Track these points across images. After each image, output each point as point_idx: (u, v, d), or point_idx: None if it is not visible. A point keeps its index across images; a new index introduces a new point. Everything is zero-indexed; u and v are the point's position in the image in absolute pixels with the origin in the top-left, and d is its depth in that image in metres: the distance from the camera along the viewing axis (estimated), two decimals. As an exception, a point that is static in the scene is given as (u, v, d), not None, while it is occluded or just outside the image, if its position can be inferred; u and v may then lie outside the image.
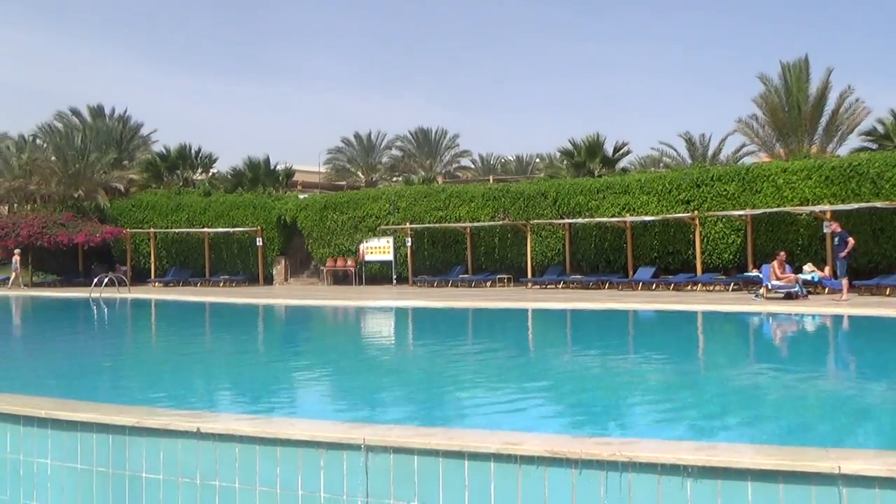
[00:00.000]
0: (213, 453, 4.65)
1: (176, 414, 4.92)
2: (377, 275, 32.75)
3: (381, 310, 21.47)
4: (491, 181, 38.46)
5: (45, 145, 42.90)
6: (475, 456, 4.10)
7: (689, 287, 24.13)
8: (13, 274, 33.53)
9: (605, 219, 27.05)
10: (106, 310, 22.70)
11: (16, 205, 47.91)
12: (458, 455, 4.12)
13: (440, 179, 50.87)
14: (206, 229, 35.09)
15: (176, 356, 12.32)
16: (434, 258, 31.79)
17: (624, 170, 37.03)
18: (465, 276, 30.03)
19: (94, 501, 5.02)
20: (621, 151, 37.33)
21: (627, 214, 26.68)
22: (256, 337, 16.99)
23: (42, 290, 32.12)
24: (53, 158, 39.70)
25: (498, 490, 4.06)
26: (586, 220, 27.43)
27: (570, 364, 10.97)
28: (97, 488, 5.01)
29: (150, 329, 18.32)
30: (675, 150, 40.47)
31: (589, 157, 36.07)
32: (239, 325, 18.95)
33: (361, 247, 32.55)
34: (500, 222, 29.43)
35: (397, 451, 4.23)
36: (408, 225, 31.22)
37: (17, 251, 33.49)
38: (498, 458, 4.06)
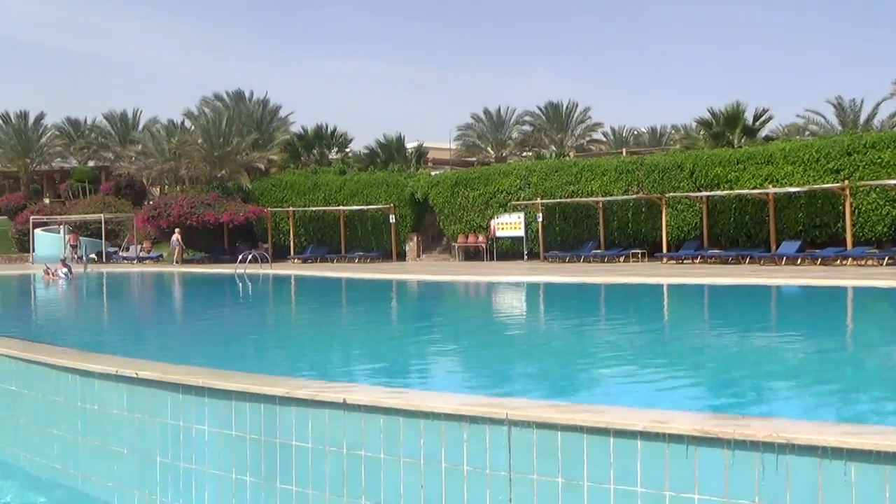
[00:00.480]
0: (359, 424, 4.76)
1: (323, 385, 5.07)
2: (508, 250, 32.72)
3: (513, 285, 21.45)
4: (624, 154, 37.48)
5: (192, 129, 45.19)
6: (621, 433, 4.00)
7: (837, 262, 22.79)
8: (176, 251, 35.40)
9: (745, 191, 25.91)
10: (251, 285, 23.75)
11: (167, 186, 50.88)
12: (604, 432, 4.04)
13: (571, 154, 50.14)
14: (341, 207, 36.07)
15: (317, 329, 12.74)
16: (565, 233, 31.45)
17: (766, 139, 35.25)
18: (598, 251, 29.55)
19: (247, 466, 5.25)
20: (762, 119, 35.56)
21: (770, 186, 25.45)
22: (392, 311, 17.33)
23: (192, 266, 33.93)
24: (200, 141, 41.75)
25: (645, 469, 3.95)
26: (725, 192, 26.36)
27: (711, 341, 10.60)
28: (250, 454, 5.23)
29: (293, 303, 19.03)
30: (823, 116, 38.20)
31: (728, 126, 34.56)
32: (375, 299, 19.40)
33: (492, 222, 32.58)
34: (634, 196, 28.72)
35: (540, 426, 4.19)
36: (539, 200, 30.98)
37: (177, 230, 35.42)
38: (645, 436, 3.95)
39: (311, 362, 8.99)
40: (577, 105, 57.95)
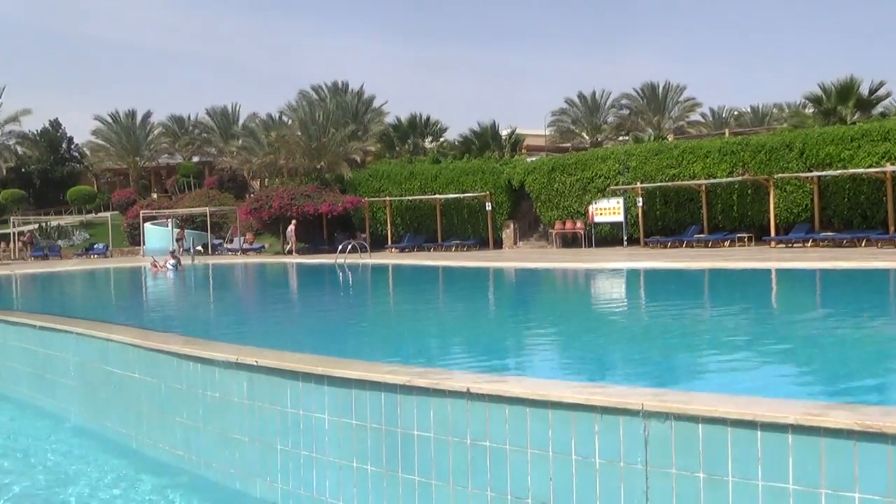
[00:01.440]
0: (483, 414, 4.63)
1: (445, 374, 4.96)
2: (607, 236, 32.13)
3: (614, 271, 20.97)
4: (727, 135, 36.21)
5: (290, 122, 46.12)
6: (769, 427, 3.72)
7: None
8: (291, 241, 36.04)
9: (860, 170, 24.62)
10: (351, 274, 24.03)
11: (266, 179, 52.13)
12: (750, 425, 3.77)
13: (670, 136, 48.82)
14: (437, 196, 36.15)
15: (420, 318, 12.72)
16: (667, 218, 30.65)
17: (882, 115, 33.40)
18: (701, 235, 28.67)
19: (368, 456, 5.20)
20: (878, 93, 33.66)
21: (888, 164, 24.08)
22: (493, 300, 17.19)
23: (292, 256, 34.64)
24: (298, 134, 42.54)
25: (797, 465, 3.67)
26: (838, 172, 25.11)
27: (834, 328, 10.02)
28: (371, 443, 5.17)
29: (395, 292, 19.10)
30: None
31: (840, 101, 32.87)
32: (474, 288, 19.31)
33: (590, 208, 32.04)
34: (740, 178, 27.71)
35: (679, 418, 3.96)
36: (638, 184, 30.28)
37: (293, 222, 36.07)
38: (796, 429, 3.66)
39: (418, 351, 8.94)
40: (674, 86, 56.39)
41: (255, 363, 5.90)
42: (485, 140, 42.45)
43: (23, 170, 58.46)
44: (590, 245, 32.10)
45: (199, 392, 6.51)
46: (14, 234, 46.32)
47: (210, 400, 6.42)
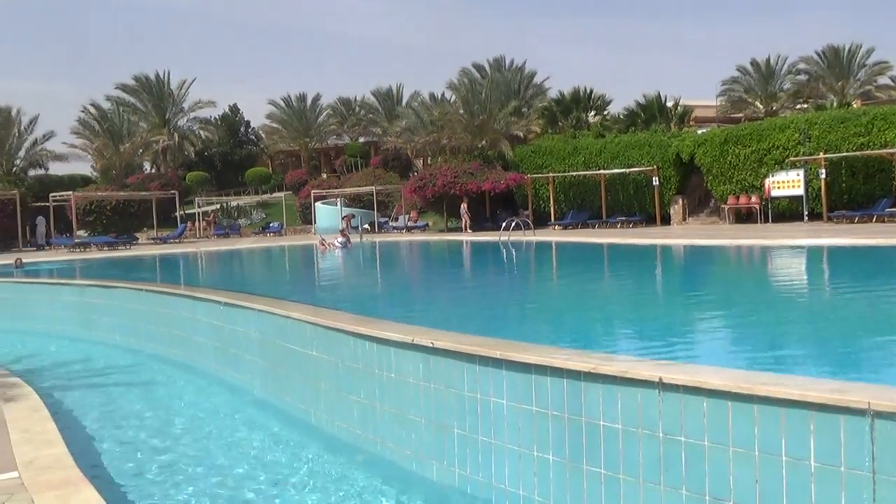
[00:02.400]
0: (678, 406, 4.26)
1: (635, 361, 4.63)
2: (785, 211, 30.16)
3: (796, 249, 19.57)
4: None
5: (453, 100, 46.42)
6: None
7: None
8: (464, 220, 36.27)
9: None
10: (514, 252, 23.84)
11: (429, 158, 52.88)
12: None
13: (856, 102, 45.21)
14: (602, 171, 35.26)
15: (591, 297, 12.32)
16: (853, 191, 28.37)
17: None
18: (894, 209, 26.30)
19: (549, 444, 4.96)
20: None
21: None
22: (665, 278, 16.46)
23: (455, 234, 34.90)
24: (461, 112, 42.75)
25: None
26: None
27: None
28: (553, 432, 4.93)
29: (564, 271, 18.72)
30: None
31: None
32: (645, 266, 18.61)
33: (767, 182, 30.16)
34: (941, 146, 25.16)
35: (915, 420, 3.45)
36: (821, 155, 28.15)
37: (465, 200, 36.30)
38: None
39: (594, 333, 8.59)
40: (859, 48, 52.12)
41: (430, 345, 5.79)
42: (651, 112, 41.00)
43: (206, 153, 62.37)
44: (765, 221, 30.27)
45: (376, 371, 6.51)
46: (199, 213, 49.52)
47: (386, 380, 6.39)
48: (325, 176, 57.88)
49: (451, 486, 5.73)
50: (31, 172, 48.18)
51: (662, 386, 4.31)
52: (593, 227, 34.25)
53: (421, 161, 58.77)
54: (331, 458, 6.80)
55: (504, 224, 28.09)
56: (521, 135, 41.32)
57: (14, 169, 45.71)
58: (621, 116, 44.20)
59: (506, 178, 36.64)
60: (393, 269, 22.00)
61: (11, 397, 8.38)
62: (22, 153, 46.73)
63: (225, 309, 9.62)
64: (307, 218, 47.83)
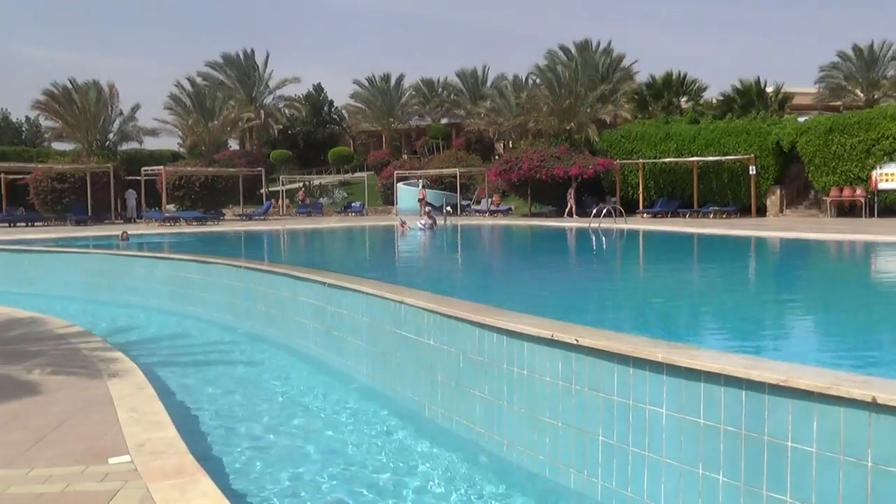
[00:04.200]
0: (893, 431, 3.63)
1: (843, 378, 3.99)
2: (893, 206, 28.53)
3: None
4: None
5: (539, 83, 45.52)
6: None
7: None
8: (570, 205, 35.45)
9: None
10: (608, 240, 23.07)
11: (512, 141, 52.14)
12: None
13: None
14: (694, 158, 34.02)
15: (702, 290, 11.60)
16: (972, 186, 26.61)
17: None
18: None
19: (720, 464, 4.38)
20: None
21: None
22: (777, 273, 15.52)
23: (541, 220, 34.18)
24: (547, 94, 41.86)
25: None
26: None
27: None
28: (725, 449, 4.34)
29: (665, 261, 17.89)
30: None
31: None
32: (749, 259, 17.69)
33: (874, 174, 28.57)
34: None
35: None
36: (938, 147, 26.47)
37: (574, 184, 35.40)
38: None
39: (713, 329, 7.93)
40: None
41: (574, 342, 5.25)
42: (748, 98, 39.31)
43: (289, 132, 62.89)
44: (871, 215, 28.69)
45: (504, 367, 6.00)
46: (282, 191, 49.95)
47: (516, 376, 5.88)
48: (405, 157, 57.68)
49: (593, 499, 5.20)
50: (123, 146, 49.32)
51: (876, 407, 3.68)
52: (684, 217, 33.12)
53: (502, 144, 58.06)
54: (448, 456, 6.34)
55: (595, 210, 27.29)
56: (609, 119, 40.18)
57: (107, 143, 46.83)
58: (716, 102, 42.52)
59: (594, 163, 35.72)
60: (484, 254, 21.51)
61: (115, 372, 8.20)
62: (115, 127, 47.84)
63: (330, 290, 9.27)
64: (388, 198, 47.76)
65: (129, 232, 24.34)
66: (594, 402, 5.18)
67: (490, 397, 6.19)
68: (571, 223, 29.23)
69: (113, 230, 28.80)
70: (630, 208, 34.96)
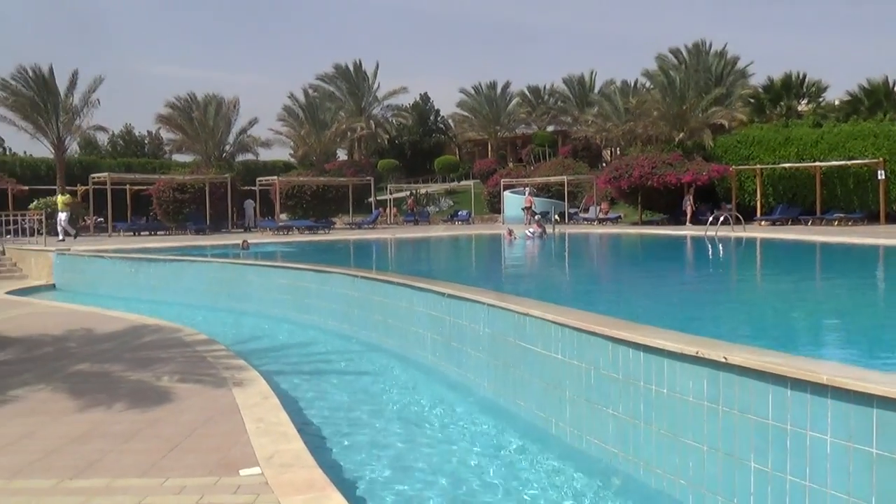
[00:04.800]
0: None
1: None
2: None
3: None
4: None
5: (649, 88, 44.49)
6: None
7: None
8: (688, 212, 34.40)
9: None
10: (726, 249, 22.19)
11: (620, 148, 51.10)
12: None
13: None
14: (817, 163, 32.44)
15: (845, 306, 10.88)
16: None
17: None
18: None
19: (896, 499, 3.95)
20: None
21: None
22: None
23: (652, 228, 33.28)
24: (658, 99, 40.81)
25: None
26: None
27: None
28: (904, 483, 3.92)
29: (794, 272, 16.99)
30: None
31: None
32: (875, 269, 16.62)
33: None
34: None
35: None
36: None
37: (691, 191, 34.32)
38: None
39: (864, 349, 7.35)
40: None
41: (723, 360, 4.90)
42: (876, 99, 37.27)
43: (396, 141, 63.69)
44: None
45: (641, 384, 5.68)
46: (390, 200, 50.57)
47: (654, 395, 5.56)
48: (511, 165, 57.45)
49: (745, 530, 4.83)
50: (238, 158, 51.04)
51: None
52: (805, 224, 31.63)
53: (609, 151, 57.02)
54: (579, 477, 6.06)
55: (711, 218, 26.33)
56: (725, 124, 38.81)
57: (223, 154, 48.55)
58: (839, 104, 40.51)
59: (708, 169, 34.56)
60: (599, 264, 21.05)
61: (240, 381, 8.30)
62: (231, 139, 49.58)
63: (448, 301, 9.13)
64: (495, 207, 47.62)
65: (248, 241, 24.99)
66: (745, 426, 4.81)
67: (625, 416, 5.88)
68: (687, 231, 28.28)
69: (230, 239, 29.74)
70: (747, 215, 33.59)
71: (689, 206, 34.08)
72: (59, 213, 31.37)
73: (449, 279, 10.82)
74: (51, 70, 40.08)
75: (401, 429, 7.55)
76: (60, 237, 29.88)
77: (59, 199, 33.74)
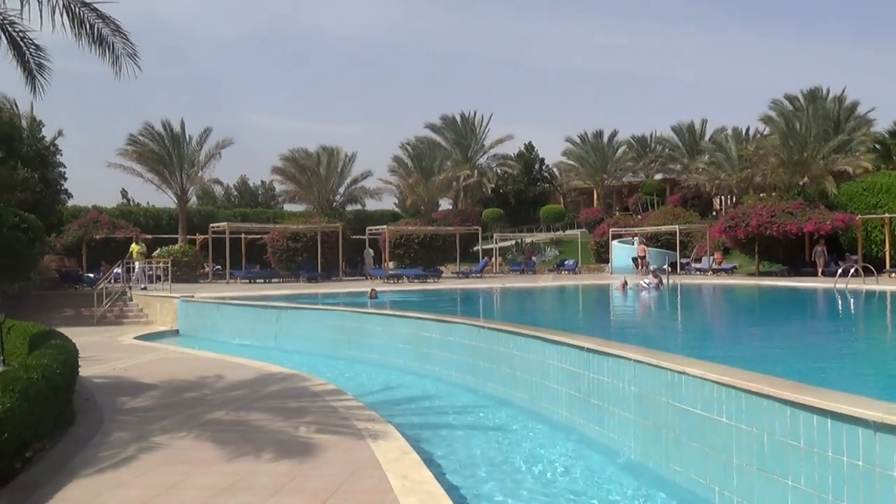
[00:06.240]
0: None
1: None
2: None
3: None
4: None
5: (765, 135, 43.16)
6: None
7: None
8: (819, 263, 33.04)
9: None
10: (860, 303, 20.95)
11: (734, 196, 49.57)
12: None
13: None
14: (953, 212, 30.52)
15: None
16: None
17: None
18: None
19: None
20: None
21: None
22: None
23: (772, 279, 31.85)
24: (776, 146, 39.48)
25: None
26: None
27: None
28: None
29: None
30: None
31: None
32: None
33: None
34: None
35: None
36: None
37: (823, 241, 33.17)
38: None
39: None
40: None
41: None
42: None
43: (501, 190, 63.78)
44: None
45: (829, 455, 5.17)
46: (495, 249, 50.42)
47: (847, 468, 5.04)
48: (617, 214, 56.54)
49: None
50: (348, 207, 52.13)
51: None
52: (944, 277, 29.62)
53: (720, 200, 55.43)
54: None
55: (841, 270, 24.98)
56: (850, 170, 37.10)
57: (334, 204, 49.66)
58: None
59: (832, 218, 32.92)
60: (731, 317, 20.14)
61: (375, 434, 8.13)
62: (342, 189, 50.73)
63: (587, 355, 8.75)
64: (602, 256, 46.77)
65: (376, 290, 25.10)
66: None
67: (808, 489, 5.36)
68: (814, 283, 26.90)
69: (342, 287, 30.11)
70: (875, 267, 31.79)
71: (821, 257, 32.54)
72: (135, 263, 30.70)
73: (573, 329, 10.43)
74: (182, 124, 42.19)
75: (542, 488, 7.24)
76: (142, 285, 28.90)
77: (135, 247, 32.91)
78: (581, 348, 8.91)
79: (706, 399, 6.53)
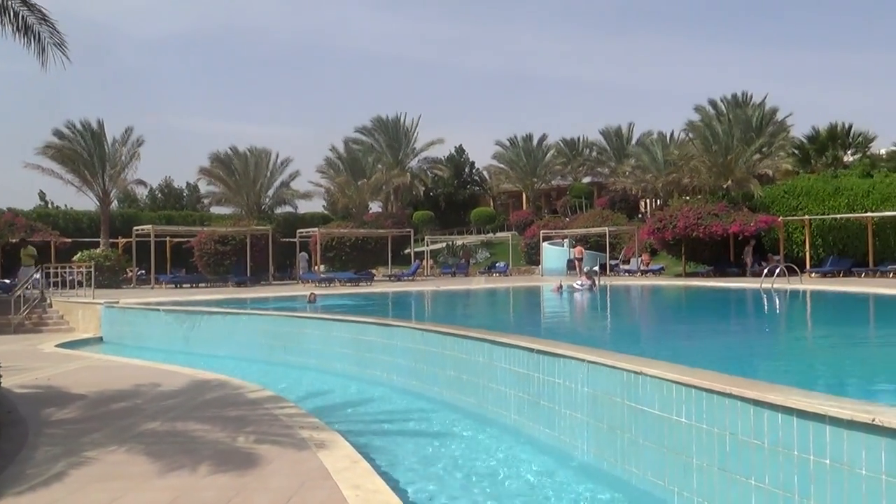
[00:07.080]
0: None
1: None
2: None
3: None
4: None
5: (690, 138, 44.16)
6: None
7: None
8: (748, 263, 33.70)
9: None
10: (788, 302, 21.50)
11: (658, 199, 50.67)
12: None
13: None
14: (868, 214, 31.69)
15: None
16: None
17: None
18: None
19: None
20: None
21: None
22: None
23: (698, 280, 32.52)
24: (701, 150, 40.42)
25: None
26: None
27: None
28: None
29: (874, 328, 16.29)
30: None
31: None
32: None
33: None
34: None
35: None
36: None
37: (752, 242, 33.74)
38: None
39: None
40: None
41: (905, 428, 4.36)
42: (926, 149, 36.58)
43: (431, 193, 63.71)
44: None
45: (794, 454, 5.13)
46: (427, 252, 50.27)
47: (813, 466, 5.00)
48: (546, 216, 57.16)
49: None
50: (278, 210, 51.25)
51: None
52: (858, 276, 30.73)
53: (646, 203, 56.55)
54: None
55: (766, 270, 25.62)
56: (771, 173, 38.22)
57: (263, 206, 48.72)
58: (885, 155, 39.85)
59: (755, 220, 33.86)
60: (669, 317, 20.39)
61: (321, 442, 7.82)
62: (271, 192, 49.81)
63: (537, 356, 8.63)
64: (532, 258, 47.17)
65: (315, 294, 24.50)
66: (940, 505, 4.24)
67: (772, 488, 5.31)
68: (741, 283, 27.54)
69: (272, 291, 29.47)
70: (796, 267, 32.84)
71: (749, 257, 33.43)
72: (23, 267, 27.57)
73: (525, 332, 10.30)
74: (100, 124, 40.69)
75: (495, 493, 7.05)
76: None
77: (23, 252, 28.80)
78: (531, 350, 8.78)
79: (663, 399, 6.46)
